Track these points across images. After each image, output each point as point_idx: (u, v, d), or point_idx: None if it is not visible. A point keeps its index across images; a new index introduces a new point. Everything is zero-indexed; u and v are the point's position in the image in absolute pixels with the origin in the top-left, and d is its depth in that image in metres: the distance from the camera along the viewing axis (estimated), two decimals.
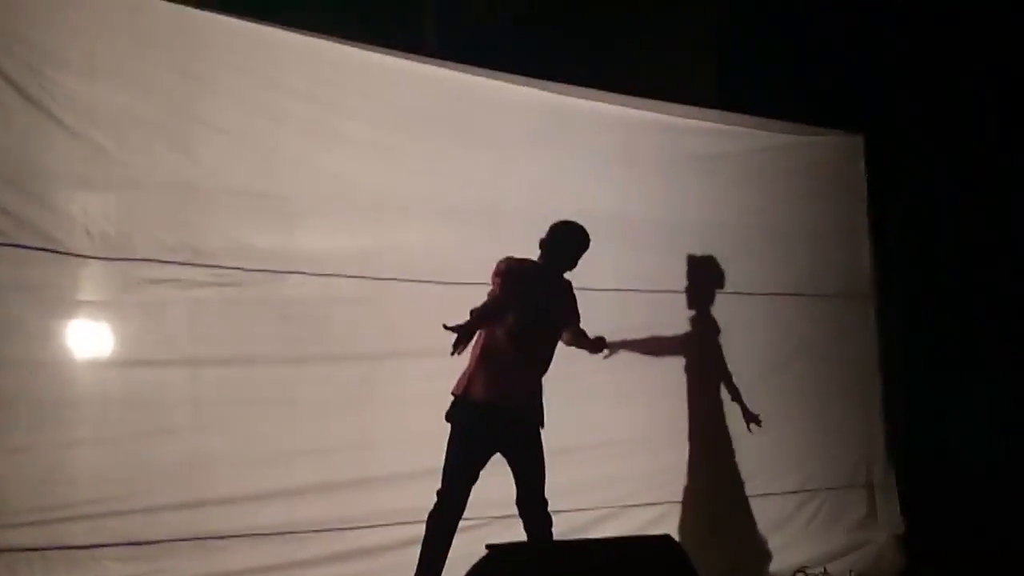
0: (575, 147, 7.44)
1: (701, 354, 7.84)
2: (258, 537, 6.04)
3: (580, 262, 6.40)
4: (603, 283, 7.23)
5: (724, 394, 7.82)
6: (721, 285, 7.89)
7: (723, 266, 7.93)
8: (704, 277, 7.86)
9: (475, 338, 6.09)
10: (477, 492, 6.10)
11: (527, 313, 6.17)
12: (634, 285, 7.58)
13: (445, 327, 5.67)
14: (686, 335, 7.83)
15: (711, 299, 7.89)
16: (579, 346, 6.49)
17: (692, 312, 7.86)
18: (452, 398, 6.14)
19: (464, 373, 6.15)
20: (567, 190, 7.19)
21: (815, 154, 8.67)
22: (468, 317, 5.82)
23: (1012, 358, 8.87)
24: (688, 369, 7.79)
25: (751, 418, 7.73)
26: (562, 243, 6.37)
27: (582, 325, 6.43)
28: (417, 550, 5.97)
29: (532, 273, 6.27)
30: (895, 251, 8.90)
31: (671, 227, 7.78)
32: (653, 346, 7.58)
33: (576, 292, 6.46)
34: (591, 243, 6.37)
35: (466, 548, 5.85)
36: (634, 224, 7.59)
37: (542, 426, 6.24)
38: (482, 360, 6.15)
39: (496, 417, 6.10)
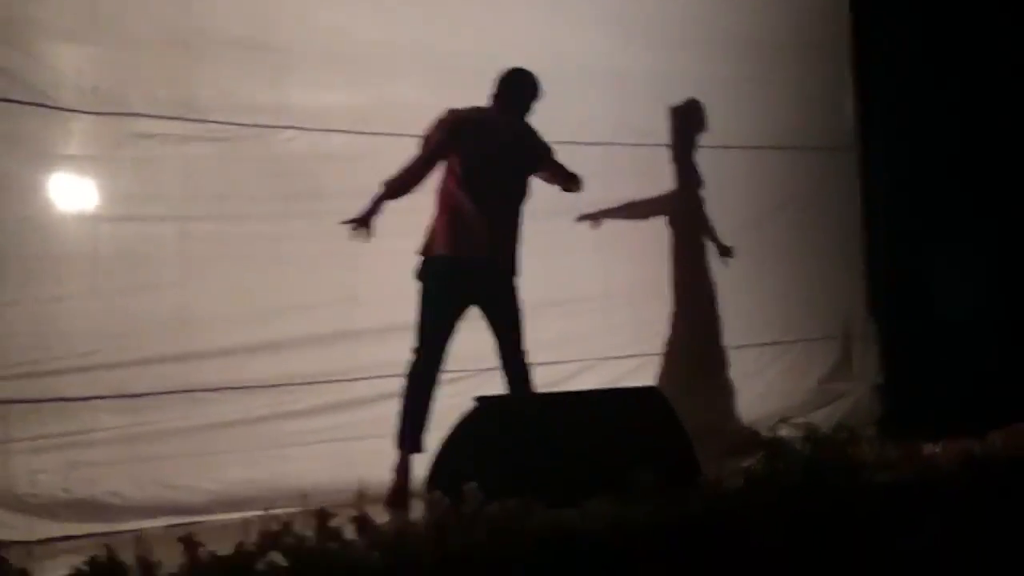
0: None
1: (685, 208, 7.86)
2: (246, 389, 6.10)
3: (571, 116, 6.40)
4: (594, 136, 7.24)
5: (710, 247, 7.87)
6: (703, 130, 7.85)
7: (711, 119, 7.90)
8: (687, 126, 7.84)
9: (436, 193, 6.14)
10: (461, 345, 6.17)
11: (473, 159, 6.13)
12: (625, 138, 7.56)
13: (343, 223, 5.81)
14: (669, 191, 7.83)
15: (694, 148, 7.88)
16: (554, 182, 6.49)
17: (676, 165, 7.86)
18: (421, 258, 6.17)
19: (427, 231, 6.16)
20: (561, 43, 7.14)
21: (800, 4, 8.64)
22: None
23: (996, 213, 8.89)
24: (672, 223, 7.82)
25: (725, 251, 7.81)
26: (512, 89, 6.34)
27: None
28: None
29: (476, 119, 6.21)
30: (880, 104, 8.86)
31: (663, 79, 7.74)
32: (635, 210, 7.59)
33: (567, 146, 6.47)
34: (588, 97, 6.36)
35: (451, 400, 5.95)
36: (626, 76, 7.54)
37: (514, 275, 6.26)
38: (440, 215, 6.14)
39: (462, 270, 6.10)
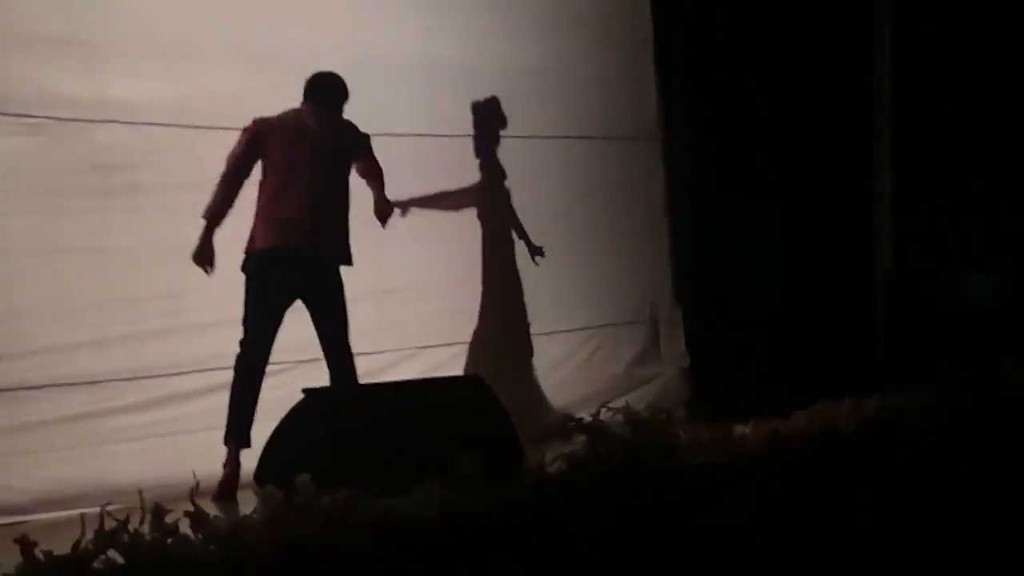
0: None
1: (491, 199, 7.96)
2: (69, 386, 6.02)
3: (384, 107, 6.46)
4: (405, 128, 7.30)
5: (517, 239, 7.98)
6: (504, 125, 7.95)
7: (519, 110, 7.98)
8: (487, 122, 7.90)
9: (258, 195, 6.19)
10: (284, 336, 6.21)
11: (287, 159, 6.18)
12: (436, 130, 7.63)
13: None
14: (476, 183, 7.90)
15: (495, 143, 7.97)
16: (366, 176, 6.51)
17: (479, 159, 7.94)
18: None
19: (251, 230, 6.20)
20: (371, 36, 7.17)
21: None
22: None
23: (795, 199, 9.19)
24: (480, 215, 7.91)
25: (535, 251, 7.92)
26: (319, 90, 6.38)
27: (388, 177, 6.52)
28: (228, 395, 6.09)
29: (284, 121, 6.27)
30: (682, 93, 9.06)
31: (472, 70, 7.80)
32: (443, 201, 7.66)
33: (379, 138, 6.51)
34: (398, 89, 6.42)
35: (276, 392, 6.00)
36: (437, 68, 7.61)
37: (344, 263, 6.32)
38: (259, 210, 6.19)
39: (283, 261, 6.15)
